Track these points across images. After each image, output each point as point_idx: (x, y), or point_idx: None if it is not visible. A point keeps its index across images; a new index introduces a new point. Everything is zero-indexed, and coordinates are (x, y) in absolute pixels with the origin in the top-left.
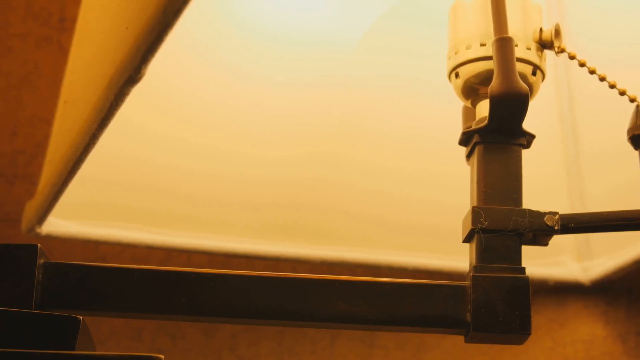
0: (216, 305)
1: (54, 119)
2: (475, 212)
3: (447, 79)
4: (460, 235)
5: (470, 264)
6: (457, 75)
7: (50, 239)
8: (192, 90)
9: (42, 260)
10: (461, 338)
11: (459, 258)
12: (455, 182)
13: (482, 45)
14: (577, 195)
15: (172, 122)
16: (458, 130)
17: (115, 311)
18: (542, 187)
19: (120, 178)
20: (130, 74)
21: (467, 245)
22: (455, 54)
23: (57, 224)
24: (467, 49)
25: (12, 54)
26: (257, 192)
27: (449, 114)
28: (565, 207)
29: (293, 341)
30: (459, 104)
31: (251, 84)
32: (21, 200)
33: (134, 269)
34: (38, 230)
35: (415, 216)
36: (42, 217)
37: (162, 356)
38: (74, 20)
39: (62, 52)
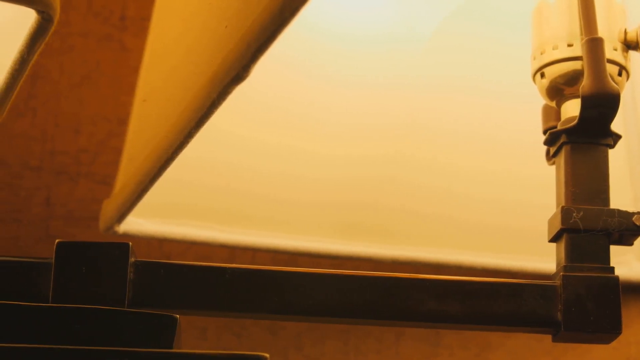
0: (307, 304)
1: (130, 117)
2: (565, 212)
3: (512, 78)
4: (528, 234)
5: (559, 264)
6: (542, 76)
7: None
8: (262, 90)
9: (133, 259)
10: (525, 338)
11: (527, 258)
12: (523, 182)
13: (570, 45)
14: None
15: (241, 121)
16: (527, 130)
17: (206, 310)
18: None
19: (187, 177)
20: (237, 72)
21: (534, 245)
22: (541, 54)
23: (132, 222)
24: (553, 49)
25: (74, 53)
26: (326, 191)
27: (517, 114)
28: (629, 205)
29: (358, 340)
30: (527, 103)
31: (321, 84)
32: (84, 198)
33: (225, 268)
34: (116, 228)
35: (483, 216)
36: (122, 215)
37: (267, 355)
38: (134, 18)
39: (123, 50)
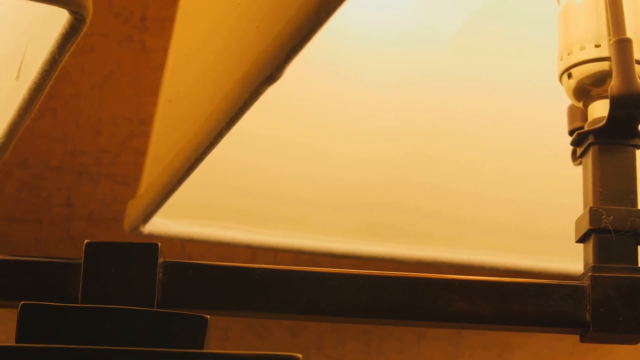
0: (336, 304)
1: (154, 117)
2: (593, 212)
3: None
4: (550, 235)
5: (587, 264)
6: (569, 76)
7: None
8: (283, 90)
9: (162, 259)
10: (546, 338)
11: (548, 258)
12: (544, 182)
13: (597, 46)
14: None
15: (262, 122)
16: (548, 130)
17: (234, 310)
18: None
19: (210, 178)
20: (270, 73)
21: (556, 245)
22: (568, 54)
23: (157, 222)
24: (581, 50)
25: (94, 53)
26: (348, 192)
27: (537, 114)
28: None
29: (380, 341)
30: (548, 103)
31: (341, 84)
32: (105, 199)
33: (254, 268)
34: (142, 229)
35: (504, 216)
36: (148, 216)
37: (300, 355)
38: (154, 19)
39: (144, 51)
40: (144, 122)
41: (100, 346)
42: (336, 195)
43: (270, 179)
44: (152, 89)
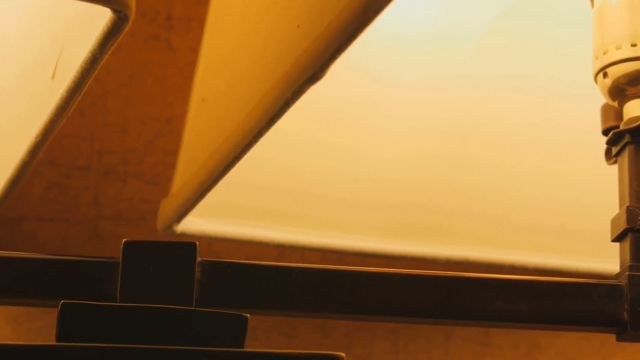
0: (375, 303)
1: (187, 116)
2: (631, 212)
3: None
4: (582, 234)
5: (623, 263)
6: (605, 76)
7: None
8: (316, 89)
9: (199, 258)
10: (574, 338)
11: (579, 258)
12: (577, 181)
13: (633, 45)
14: None
15: (294, 121)
16: (580, 129)
17: (272, 309)
18: None
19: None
20: (313, 72)
21: (586, 245)
22: (604, 54)
23: (189, 221)
24: (617, 49)
25: (121, 53)
26: (379, 191)
27: (569, 113)
28: None
29: (407, 340)
30: (580, 102)
31: (374, 84)
32: (132, 198)
33: (292, 267)
34: (175, 228)
35: (535, 215)
36: (182, 214)
37: (342, 354)
38: (180, 18)
39: (170, 50)
40: (171, 121)
41: (140, 345)
42: (367, 195)
43: (301, 178)
44: (179, 88)
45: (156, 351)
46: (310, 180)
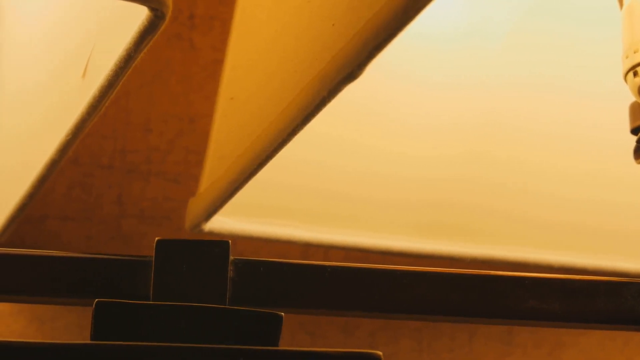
0: (407, 301)
1: (215, 115)
2: None
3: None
4: (605, 233)
5: None
6: (635, 74)
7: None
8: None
9: (232, 257)
10: (598, 337)
11: (603, 257)
12: (602, 180)
13: None
14: None
15: (321, 119)
16: (607, 127)
17: (305, 308)
18: None
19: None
20: (350, 70)
21: (611, 243)
22: (634, 52)
23: (216, 220)
24: None
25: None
26: (407, 190)
27: (595, 111)
28: None
29: (431, 338)
30: (607, 100)
31: (402, 82)
32: (155, 197)
33: (324, 266)
34: (203, 226)
35: (561, 214)
36: (211, 213)
37: (380, 353)
38: (202, 17)
39: (192, 49)
40: (194, 120)
41: (175, 344)
42: (392, 194)
43: (326, 177)
44: (201, 86)
45: (195, 349)
46: (335, 179)
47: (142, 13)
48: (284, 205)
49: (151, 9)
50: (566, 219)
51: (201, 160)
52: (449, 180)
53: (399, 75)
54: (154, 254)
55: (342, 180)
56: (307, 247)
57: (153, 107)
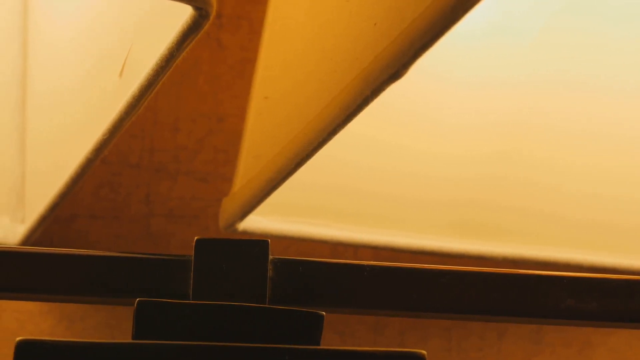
0: (446, 301)
1: (248, 114)
2: None
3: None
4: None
5: None
6: None
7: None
8: None
9: (273, 256)
10: (626, 336)
11: (635, 257)
12: (635, 178)
13: None
14: None
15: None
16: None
17: (344, 307)
18: None
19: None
20: (395, 70)
21: None
22: None
23: (250, 219)
24: None
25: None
26: (437, 189)
27: (630, 110)
28: None
29: (460, 338)
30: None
31: (431, 81)
32: (184, 196)
33: (364, 265)
34: (237, 226)
35: (592, 213)
36: (246, 212)
37: (424, 352)
38: (230, 16)
39: (220, 48)
40: (222, 119)
41: (218, 343)
42: (424, 193)
43: (357, 176)
44: (229, 86)
45: (240, 349)
46: (365, 178)
47: (184, 12)
48: (314, 204)
49: (196, 8)
50: (598, 218)
51: (230, 159)
52: (480, 179)
53: (429, 74)
54: (193, 253)
55: (373, 179)
56: (336, 246)
57: (181, 106)
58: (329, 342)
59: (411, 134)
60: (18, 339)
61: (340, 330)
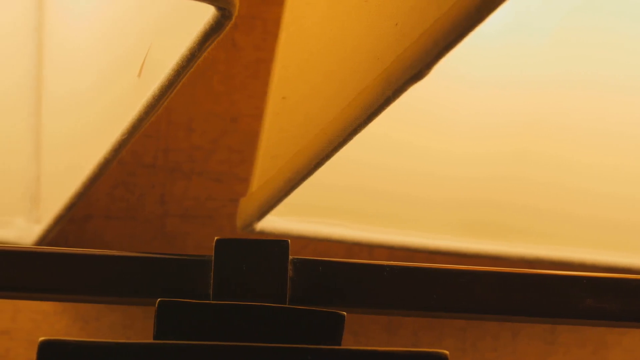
0: (467, 301)
1: (265, 114)
2: None
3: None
4: None
5: None
6: None
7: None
8: None
9: (292, 256)
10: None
11: None
12: None
13: None
14: None
15: None
16: None
17: (364, 307)
18: None
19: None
20: (418, 70)
21: None
22: None
23: (266, 220)
24: None
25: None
26: (452, 189)
27: None
28: None
29: (475, 338)
30: None
31: (446, 80)
32: (199, 197)
33: (383, 265)
34: (255, 226)
35: (607, 213)
36: (264, 212)
37: (446, 352)
38: (244, 17)
39: (235, 49)
40: (236, 120)
41: (239, 343)
42: (439, 192)
43: (374, 176)
44: (244, 86)
45: (262, 349)
46: (381, 178)
47: (206, 12)
48: (330, 204)
49: (218, 8)
50: (613, 218)
51: (244, 159)
52: (495, 179)
53: (443, 73)
54: (213, 253)
55: (388, 180)
56: (352, 246)
57: (195, 106)
58: (344, 342)
59: (426, 134)
60: (41, 339)
61: (354, 330)
